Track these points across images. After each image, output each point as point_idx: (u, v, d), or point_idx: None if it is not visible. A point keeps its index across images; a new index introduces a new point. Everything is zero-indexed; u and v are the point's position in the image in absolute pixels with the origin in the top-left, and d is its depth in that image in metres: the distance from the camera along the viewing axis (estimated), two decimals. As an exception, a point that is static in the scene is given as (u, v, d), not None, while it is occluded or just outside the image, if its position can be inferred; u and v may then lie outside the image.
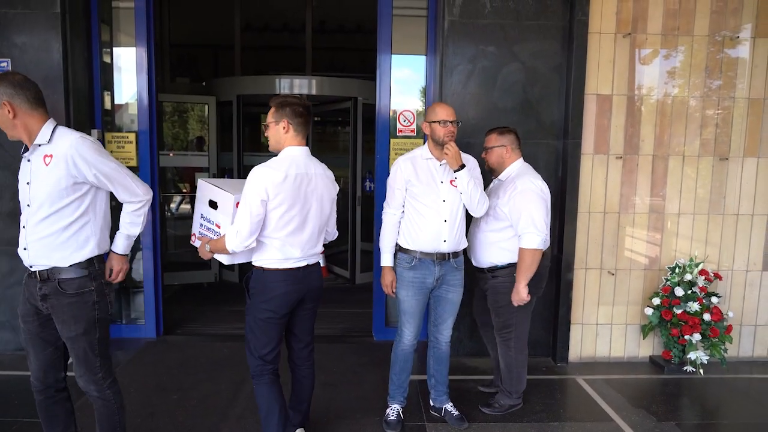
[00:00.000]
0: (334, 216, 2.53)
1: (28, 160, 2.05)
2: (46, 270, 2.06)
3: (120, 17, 4.02)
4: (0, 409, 2.97)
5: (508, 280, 2.87)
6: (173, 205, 6.30)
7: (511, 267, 2.87)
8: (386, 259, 2.80)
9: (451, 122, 2.68)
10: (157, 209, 4.08)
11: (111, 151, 3.95)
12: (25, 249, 2.06)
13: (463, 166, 2.66)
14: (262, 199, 2.19)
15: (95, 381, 2.18)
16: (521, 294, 2.81)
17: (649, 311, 3.73)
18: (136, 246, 4.13)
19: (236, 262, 2.41)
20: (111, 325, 4.06)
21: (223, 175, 5.91)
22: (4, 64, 3.49)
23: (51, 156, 2.02)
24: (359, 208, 5.80)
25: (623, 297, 3.86)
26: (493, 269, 2.94)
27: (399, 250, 2.80)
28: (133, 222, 2.25)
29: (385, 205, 2.82)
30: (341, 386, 3.33)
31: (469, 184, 2.67)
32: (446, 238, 2.70)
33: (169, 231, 5.47)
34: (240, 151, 5.89)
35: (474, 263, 3.04)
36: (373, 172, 4.43)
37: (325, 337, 4.16)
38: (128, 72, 4.03)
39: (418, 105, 4.11)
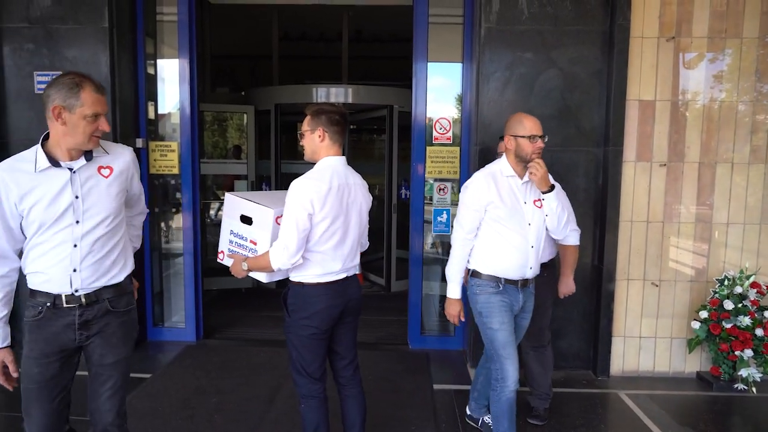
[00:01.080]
0: (367, 226, 2.44)
1: (71, 170, 1.84)
2: (95, 291, 1.90)
3: (164, 30, 4.18)
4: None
5: (539, 280, 2.80)
6: (212, 212, 6.47)
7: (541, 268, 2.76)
8: (455, 291, 2.56)
9: (540, 137, 2.40)
10: (198, 216, 4.20)
11: (155, 160, 4.10)
12: (75, 271, 1.85)
13: (553, 187, 2.45)
14: (309, 212, 2.11)
15: (122, 414, 2.00)
16: (572, 286, 2.93)
17: (696, 325, 3.61)
18: (177, 251, 4.27)
19: (275, 279, 2.33)
20: (154, 328, 4.25)
21: (260, 182, 6.04)
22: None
23: (110, 168, 1.91)
24: (395, 216, 5.83)
25: (668, 309, 3.74)
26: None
27: (474, 275, 2.53)
28: (139, 236, 2.22)
29: (457, 227, 2.53)
30: (375, 394, 3.34)
31: (558, 206, 2.46)
32: (533, 264, 2.48)
33: (208, 237, 5.62)
34: (277, 159, 6.01)
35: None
36: (409, 179, 4.45)
37: (360, 345, 4.16)
38: (171, 83, 4.19)
39: (454, 113, 4.11)
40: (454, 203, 4.09)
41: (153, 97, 4.21)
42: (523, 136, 2.40)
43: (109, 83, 3.70)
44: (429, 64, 4.00)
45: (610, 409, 3.30)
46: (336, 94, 5.82)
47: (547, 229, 2.55)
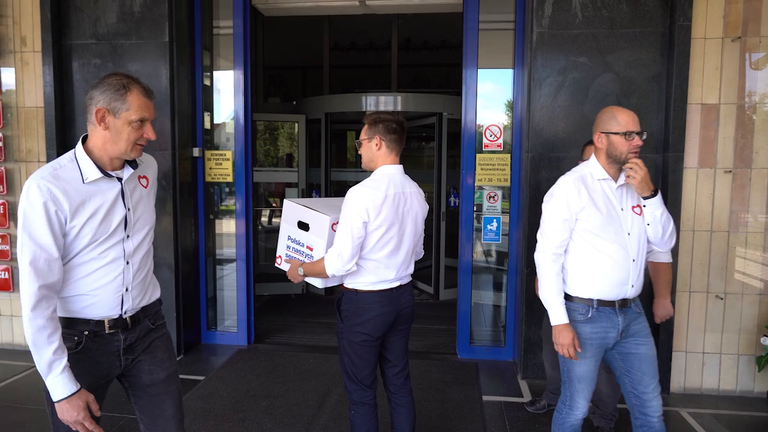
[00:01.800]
0: (422, 235, 2.42)
1: (120, 180, 1.69)
2: (139, 311, 1.78)
3: (219, 43, 4.34)
4: (109, 404, 3.25)
5: None
6: (264, 219, 6.64)
7: None
8: (560, 315, 2.13)
9: (637, 134, 2.08)
10: (250, 222, 4.33)
11: (210, 168, 4.26)
12: (126, 290, 1.71)
13: (656, 192, 2.12)
14: (364, 220, 2.12)
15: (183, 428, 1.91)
16: (670, 309, 2.65)
17: (766, 341, 3.40)
18: (230, 257, 4.40)
19: (330, 285, 2.35)
20: (208, 332, 4.39)
21: (311, 189, 6.16)
22: (121, 90, 3.88)
23: (146, 178, 1.81)
24: (444, 224, 5.80)
25: (734, 324, 3.55)
26: None
27: (565, 298, 2.22)
28: None
29: (541, 241, 2.22)
30: (423, 404, 3.32)
31: (662, 213, 2.13)
32: (634, 281, 2.14)
33: (260, 243, 5.76)
34: (327, 167, 6.11)
35: None
36: (458, 187, 4.43)
37: (409, 353, 4.17)
38: (226, 93, 4.35)
39: (504, 119, 4.07)
40: (505, 211, 4.03)
41: (209, 107, 4.38)
42: (616, 133, 2.07)
43: (168, 95, 3.87)
44: (479, 70, 3.97)
45: (672, 428, 3.15)
46: (385, 103, 5.87)
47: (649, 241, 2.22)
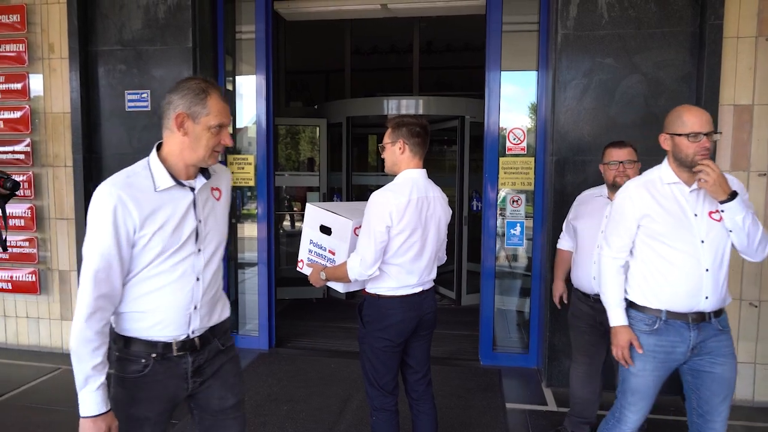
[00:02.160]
0: (445, 240, 2.41)
1: (192, 190, 1.62)
2: (208, 330, 1.68)
3: (242, 48, 4.37)
4: (133, 408, 3.29)
5: None
6: (286, 223, 6.67)
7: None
8: (618, 316, 2.08)
9: (705, 134, 1.93)
10: (272, 226, 4.34)
11: (233, 172, 4.29)
12: (195, 308, 1.62)
13: (734, 195, 1.93)
14: (387, 225, 2.12)
15: None
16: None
17: (801, 350, 3.28)
18: (252, 261, 4.42)
19: (351, 289, 2.36)
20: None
21: (332, 193, 6.16)
22: (145, 95, 3.94)
23: (219, 190, 1.73)
24: (466, 228, 5.75)
25: (769, 332, 3.43)
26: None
27: (630, 306, 2.12)
28: None
29: (602, 243, 2.18)
30: (445, 410, 3.28)
31: (745, 219, 1.94)
32: (709, 293, 1.99)
33: (281, 247, 5.79)
34: (349, 171, 6.11)
35: (594, 292, 2.64)
36: (480, 191, 4.38)
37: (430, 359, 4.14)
38: (248, 98, 4.37)
39: (528, 122, 4.01)
40: (528, 215, 3.97)
41: (231, 112, 4.41)
42: (681, 134, 1.95)
43: (192, 100, 3.90)
44: (502, 73, 3.92)
45: (702, 439, 3.04)
46: (407, 106, 5.85)
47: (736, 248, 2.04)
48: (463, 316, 5.36)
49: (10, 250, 4.16)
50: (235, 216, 4.45)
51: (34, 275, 4.19)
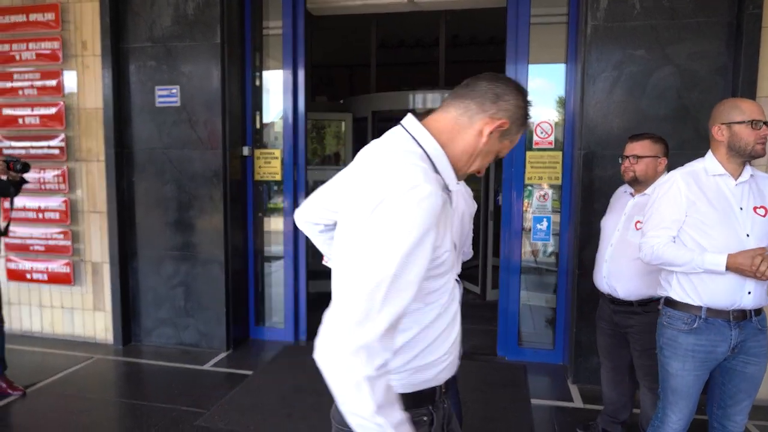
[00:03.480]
0: (471, 234, 2.37)
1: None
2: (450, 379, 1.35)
3: (269, 43, 4.39)
4: (162, 396, 3.36)
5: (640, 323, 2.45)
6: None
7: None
8: (714, 258, 1.89)
9: (765, 123, 1.92)
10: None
11: (259, 167, 4.32)
12: (453, 343, 1.25)
13: None
14: None
15: None
16: None
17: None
18: (279, 254, 4.46)
19: None
20: (256, 327, 4.45)
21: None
22: (174, 91, 3.99)
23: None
24: (491, 223, 5.69)
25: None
26: (647, 302, 2.46)
27: (667, 304, 2.07)
28: None
29: (650, 235, 2.04)
30: (469, 405, 3.26)
31: None
32: (751, 288, 1.93)
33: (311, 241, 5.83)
34: (373, 166, 6.09)
35: (616, 294, 2.54)
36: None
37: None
38: (275, 93, 4.40)
39: (555, 116, 3.94)
40: (555, 210, 3.91)
41: (258, 107, 4.44)
42: (741, 122, 1.91)
43: (219, 95, 3.95)
44: (530, 66, 3.86)
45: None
46: (432, 100, 5.80)
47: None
48: (488, 311, 5.31)
49: (46, 242, 4.29)
50: (262, 210, 4.49)
51: (68, 266, 4.31)
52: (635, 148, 2.53)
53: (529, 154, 3.88)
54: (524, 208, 3.94)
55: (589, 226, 3.39)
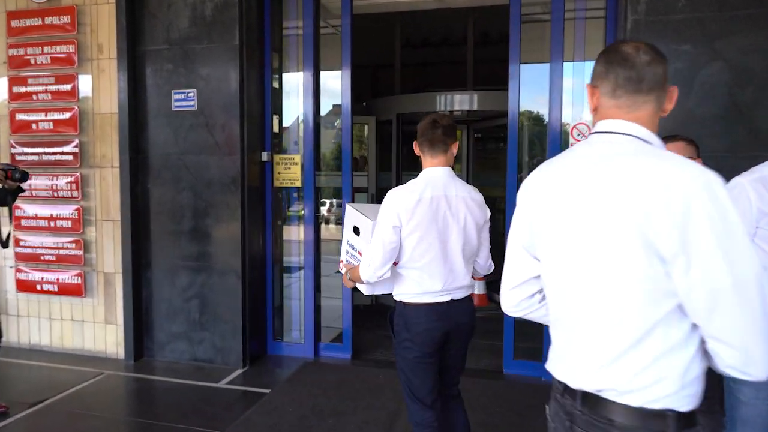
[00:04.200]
0: (486, 245, 2.39)
1: None
2: None
3: (289, 44, 4.47)
4: (174, 415, 3.39)
5: None
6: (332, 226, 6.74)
7: None
8: None
9: None
10: (319, 230, 4.40)
11: (278, 173, 4.37)
12: None
13: None
14: (394, 225, 2.18)
15: None
16: None
17: None
18: (298, 265, 4.50)
19: (376, 293, 2.42)
20: (274, 342, 4.48)
21: (381, 195, 6.19)
22: (191, 95, 4.08)
23: None
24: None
25: None
26: None
27: None
28: None
29: (746, 257, 1.78)
30: (503, 428, 3.21)
31: None
32: None
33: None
34: (399, 171, 6.12)
35: None
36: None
37: (484, 373, 4.08)
38: (294, 96, 4.46)
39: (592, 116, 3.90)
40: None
41: (277, 110, 4.50)
42: None
43: (238, 98, 4.02)
44: (564, 63, 3.83)
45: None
46: (460, 102, 5.81)
47: None
48: (522, 327, 5.24)
49: (57, 251, 4.40)
50: (281, 218, 4.54)
51: (79, 277, 4.40)
52: (669, 150, 2.46)
53: (565, 158, 3.84)
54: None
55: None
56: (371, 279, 2.24)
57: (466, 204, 2.27)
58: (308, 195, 4.35)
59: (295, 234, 4.56)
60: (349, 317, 4.40)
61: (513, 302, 1.48)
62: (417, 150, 2.34)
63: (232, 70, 4.03)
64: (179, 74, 4.13)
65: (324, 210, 6.78)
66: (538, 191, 1.35)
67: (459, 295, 2.29)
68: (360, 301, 5.89)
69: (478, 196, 2.33)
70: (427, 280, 2.23)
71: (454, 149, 2.32)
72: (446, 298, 2.26)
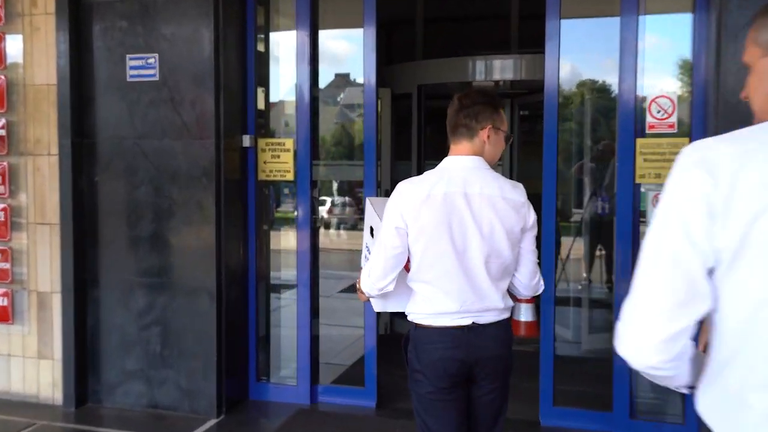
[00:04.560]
0: (529, 258, 2.39)
1: None
2: None
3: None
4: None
5: None
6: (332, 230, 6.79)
7: None
8: None
9: None
10: (317, 236, 4.45)
11: (264, 162, 4.42)
12: None
13: None
14: (397, 226, 2.24)
15: None
16: None
17: None
18: (290, 282, 4.53)
19: (388, 310, 2.52)
20: (258, 384, 4.51)
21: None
22: (151, 60, 4.13)
23: None
24: (586, 238, 5.66)
25: None
26: None
27: None
28: None
29: None
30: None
31: None
32: None
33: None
34: (421, 160, 6.14)
35: None
36: (609, 187, 4.30)
37: (511, 423, 4.09)
38: (286, 62, 4.50)
39: (678, 87, 3.93)
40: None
41: (264, 81, 4.54)
42: None
43: (212, 66, 4.07)
44: (640, 17, 3.85)
45: None
46: (501, 69, 5.84)
47: None
48: (586, 366, 5.25)
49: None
50: (268, 221, 4.57)
51: (5, 298, 4.44)
52: None
53: (640, 142, 3.86)
54: (633, 218, 3.92)
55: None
56: (371, 292, 2.35)
57: (493, 205, 2.26)
58: (303, 191, 4.38)
59: (285, 242, 4.58)
60: (373, 352, 4.39)
61: (667, 354, 1.29)
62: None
63: (205, 29, 4.07)
64: (136, 34, 4.17)
65: (323, 210, 6.95)
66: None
67: (486, 319, 2.30)
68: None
69: (516, 196, 2.31)
70: (440, 297, 2.26)
71: (485, 135, 2.33)
72: (466, 322, 2.27)
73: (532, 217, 2.35)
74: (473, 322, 2.27)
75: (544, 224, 3.93)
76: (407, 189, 2.28)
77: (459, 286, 2.25)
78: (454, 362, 2.27)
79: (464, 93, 2.41)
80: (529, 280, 2.42)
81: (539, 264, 2.51)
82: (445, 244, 2.22)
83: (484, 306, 2.28)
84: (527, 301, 5.62)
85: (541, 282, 2.49)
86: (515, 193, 2.32)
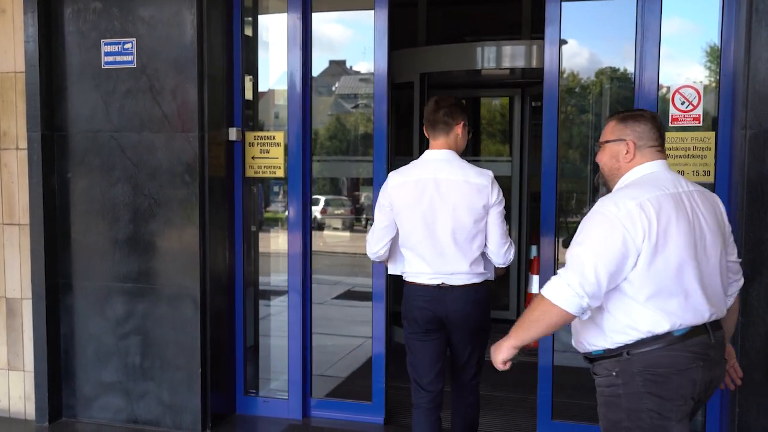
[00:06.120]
0: (496, 231, 3.06)
1: None
2: None
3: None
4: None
5: (608, 381, 2.38)
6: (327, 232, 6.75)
7: (612, 358, 2.36)
8: None
9: None
10: (308, 237, 4.42)
11: (252, 157, 4.38)
12: None
13: None
14: (382, 205, 3.15)
15: None
16: (498, 354, 2.41)
17: None
18: (280, 287, 4.49)
19: (397, 272, 3.33)
20: (245, 397, 4.48)
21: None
22: (128, 46, 4.09)
23: None
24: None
25: None
26: (589, 357, 2.49)
27: None
28: None
29: None
30: None
31: None
32: None
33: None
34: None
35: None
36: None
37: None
38: (276, 47, 4.47)
39: (704, 76, 3.89)
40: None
41: (252, 69, 4.50)
42: None
43: (194, 52, 4.03)
44: (664, 1, 3.81)
45: None
46: (512, 56, 5.80)
47: None
48: (562, 376, 5.18)
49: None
50: (256, 221, 4.54)
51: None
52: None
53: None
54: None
55: (762, 245, 3.35)
56: (372, 257, 3.31)
57: (459, 188, 3.01)
58: (295, 189, 4.36)
59: (275, 244, 4.56)
60: (382, 363, 4.37)
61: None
62: (426, 132, 3.20)
63: (187, 11, 4.03)
64: (112, 16, 4.13)
65: (316, 211, 6.91)
66: None
67: (455, 281, 3.06)
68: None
69: (481, 180, 3.02)
70: (417, 260, 3.11)
71: (459, 130, 3.11)
72: (436, 282, 3.07)
73: (495, 195, 3.03)
74: (443, 282, 3.06)
75: (543, 224, 4.10)
76: (392, 176, 3.15)
77: (430, 252, 3.06)
78: (427, 312, 3.09)
79: (439, 97, 3.18)
80: (498, 248, 3.10)
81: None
82: (417, 219, 3.04)
83: (451, 269, 3.06)
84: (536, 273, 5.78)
85: (511, 251, 3.14)
86: (479, 178, 3.03)
